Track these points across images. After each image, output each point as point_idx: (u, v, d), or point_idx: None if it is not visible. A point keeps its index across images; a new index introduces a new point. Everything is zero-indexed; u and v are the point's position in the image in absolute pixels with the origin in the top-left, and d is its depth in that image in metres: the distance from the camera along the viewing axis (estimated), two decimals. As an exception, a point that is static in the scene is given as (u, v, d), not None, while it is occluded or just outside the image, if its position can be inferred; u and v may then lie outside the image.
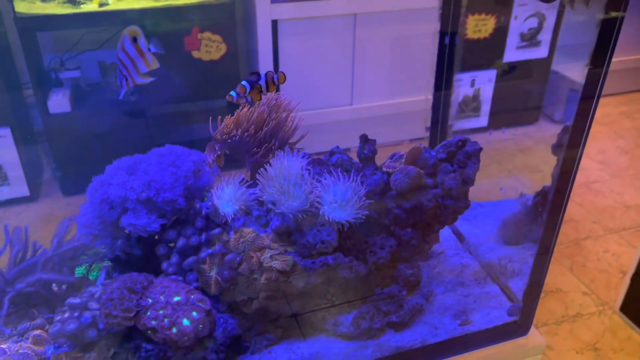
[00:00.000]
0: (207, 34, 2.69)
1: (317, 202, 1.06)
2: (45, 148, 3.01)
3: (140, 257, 1.19)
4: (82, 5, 2.68)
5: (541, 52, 2.97)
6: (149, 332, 1.09)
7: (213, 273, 1.14)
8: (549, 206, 1.06)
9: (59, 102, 2.75)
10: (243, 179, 1.11)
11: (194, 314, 1.09)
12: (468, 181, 1.14)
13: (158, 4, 2.61)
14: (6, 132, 2.69)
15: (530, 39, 2.93)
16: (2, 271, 1.22)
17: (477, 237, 1.44)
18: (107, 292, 1.06)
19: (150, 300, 1.08)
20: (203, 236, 1.14)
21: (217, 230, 1.12)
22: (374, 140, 1.16)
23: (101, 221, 1.13)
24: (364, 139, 1.16)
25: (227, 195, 1.11)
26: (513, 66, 3.06)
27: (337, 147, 1.17)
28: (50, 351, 1.20)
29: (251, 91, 1.10)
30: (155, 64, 1.15)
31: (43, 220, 2.78)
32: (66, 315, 1.12)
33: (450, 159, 1.14)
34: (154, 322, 1.07)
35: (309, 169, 1.08)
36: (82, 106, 2.81)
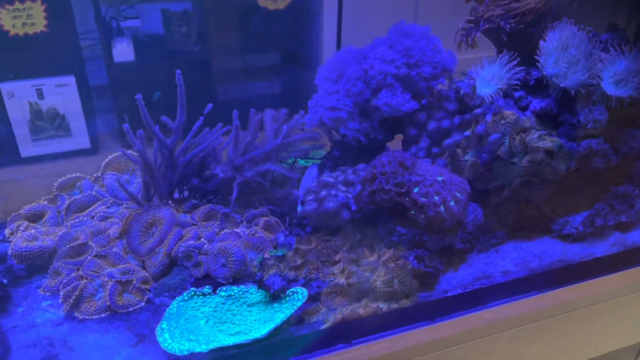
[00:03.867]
0: (274, -20, 2.62)
1: (598, 76, 1.03)
2: (108, 99, 2.93)
3: (381, 142, 1.15)
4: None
5: None
6: (412, 212, 1.05)
7: (468, 157, 1.10)
8: None
9: (123, 51, 2.67)
10: (510, 55, 1.07)
11: (458, 194, 1.06)
12: None
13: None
14: (71, 80, 2.60)
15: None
16: (232, 157, 1.17)
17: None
18: (378, 167, 1.02)
19: (418, 177, 1.04)
20: (456, 119, 1.11)
21: (478, 111, 1.08)
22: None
23: (353, 102, 1.08)
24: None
25: (489, 74, 1.07)
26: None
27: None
28: (281, 238, 1.16)
29: None
30: None
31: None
32: (322, 193, 1.07)
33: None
34: (423, 199, 1.03)
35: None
36: (146, 55, 2.73)
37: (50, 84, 2.63)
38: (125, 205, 1.24)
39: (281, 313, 1.02)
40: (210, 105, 1.14)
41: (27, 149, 2.69)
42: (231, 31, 2.81)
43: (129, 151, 1.19)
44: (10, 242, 1.13)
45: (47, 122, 2.72)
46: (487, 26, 1.04)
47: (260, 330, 0.99)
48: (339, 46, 2.83)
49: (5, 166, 2.64)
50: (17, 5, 2.37)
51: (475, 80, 1.08)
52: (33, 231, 1.13)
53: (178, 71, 1.13)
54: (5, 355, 0.93)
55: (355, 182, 1.08)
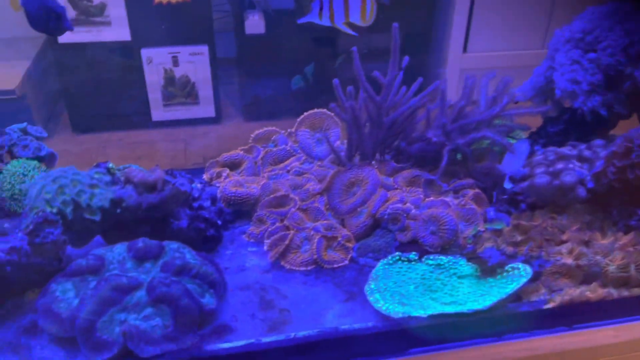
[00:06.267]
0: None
1: None
2: (234, 70, 2.95)
3: (611, 121, 1.04)
4: None
5: None
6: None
7: None
8: None
9: (255, 24, 2.66)
10: None
11: None
12: None
13: None
14: (204, 49, 2.62)
15: None
16: (444, 122, 1.10)
17: None
18: (636, 140, 0.91)
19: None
20: None
21: None
22: None
23: (603, 73, 0.96)
24: None
25: None
26: None
27: None
28: (491, 213, 1.08)
29: None
30: (370, 18, 1.03)
31: (228, 141, 2.72)
32: (559, 166, 0.98)
33: None
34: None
35: None
36: (276, 29, 2.71)
37: (185, 52, 2.68)
38: (317, 163, 1.20)
39: (499, 288, 0.95)
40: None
41: (158, 113, 2.78)
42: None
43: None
44: (213, 186, 1.13)
45: (178, 89, 2.78)
46: None
47: (479, 302, 0.92)
48: (468, 26, 2.69)
49: (138, 128, 2.74)
50: (165, -28, 2.43)
51: None
52: (237, 177, 1.12)
53: (395, 24, 1.08)
54: (225, 293, 0.92)
55: (591, 159, 0.98)
